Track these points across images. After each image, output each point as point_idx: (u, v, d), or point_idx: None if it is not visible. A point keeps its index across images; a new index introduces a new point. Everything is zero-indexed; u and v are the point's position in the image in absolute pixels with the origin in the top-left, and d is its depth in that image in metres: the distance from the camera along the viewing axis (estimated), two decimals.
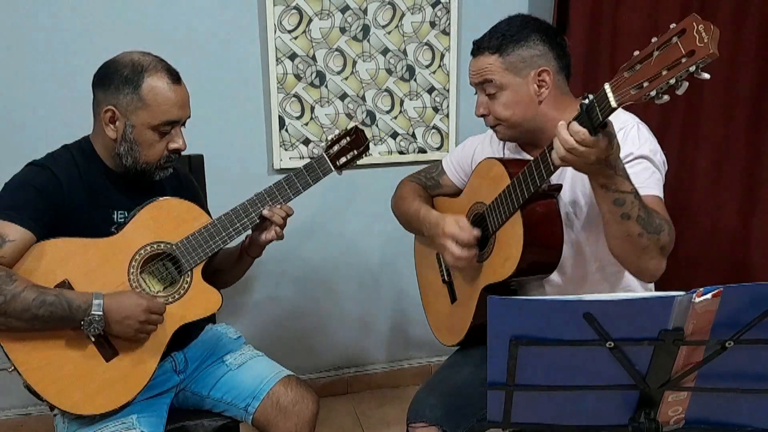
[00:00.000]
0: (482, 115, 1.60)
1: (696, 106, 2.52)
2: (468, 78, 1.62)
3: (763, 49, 2.52)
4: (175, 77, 1.54)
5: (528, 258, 1.49)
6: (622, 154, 1.38)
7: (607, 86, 1.20)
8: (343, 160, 1.72)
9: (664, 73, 1.12)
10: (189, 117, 1.59)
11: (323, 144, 1.73)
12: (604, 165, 1.28)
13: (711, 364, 1.10)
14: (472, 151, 1.81)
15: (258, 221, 1.65)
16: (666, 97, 1.14)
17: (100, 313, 1.43)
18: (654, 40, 1.15)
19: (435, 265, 1.84)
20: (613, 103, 1.19)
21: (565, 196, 1.54)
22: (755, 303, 1.03)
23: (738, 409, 1.19)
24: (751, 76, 2.54)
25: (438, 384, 1.66)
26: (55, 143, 1.62)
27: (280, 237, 1.67)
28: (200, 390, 1.73)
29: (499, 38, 1.54)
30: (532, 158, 1.61)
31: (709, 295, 1.02)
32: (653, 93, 1.13)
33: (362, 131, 1.74)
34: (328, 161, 1.69)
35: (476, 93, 1.61)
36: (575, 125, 1.25)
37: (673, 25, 1.13)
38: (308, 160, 1.71)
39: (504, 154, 1.72)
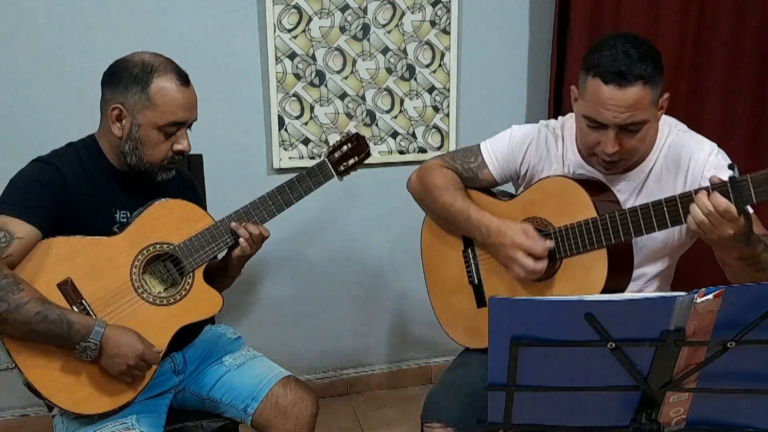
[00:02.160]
0: (609, 154, 1.45)
1: (697, 105, 2.52)
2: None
3: (763, 49, 2.52)
4: (184, 80, 1.55)
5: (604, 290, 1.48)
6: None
7: None
8: (344, 166, 1.75)
9: None
10: (195, 120, 1.60)
11: (325, 149, 1.76)
12: (738, 241, 1.27)
13: (712, 365, 1.10)
14: (523, 150, 1.68)
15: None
16: None
17: (97, 342, 1.42)
18: None
19: (459, 260, 1.75)
20: None
21: None
22: (757, 303, 1.03)
23: (740, 409, 1.19)
24: (752, 76, 2.54)
25: (454, 384, 1.63)
26: (59, 142, 1.62)
27: (245, 252, 1.63)
28: (199, 391, 1.73)
29: (649, 64, 1.38)
30: (602, 178, 1.57)
31: (710, 296, 1.02)
32: None
33: (363, 138, 1.77)
34: (330, 167, 1.72)
35: (594, 126, 1.45)
36: (719, 197, 1.23)
37: None
38: (310, 163, 1.73)
39: (564, 163, 1.63)
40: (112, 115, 1.53)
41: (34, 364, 1.45)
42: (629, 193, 1.57)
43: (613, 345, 1.07)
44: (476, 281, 1.72)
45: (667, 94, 1.47)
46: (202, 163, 2.01)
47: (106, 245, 1.53)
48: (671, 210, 1.34)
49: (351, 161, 1.76)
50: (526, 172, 1.69)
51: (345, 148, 1.75)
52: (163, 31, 2.25)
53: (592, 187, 1.54)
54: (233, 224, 1.62)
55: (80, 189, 1.53)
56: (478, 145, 1.74)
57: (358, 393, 2.76)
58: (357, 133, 1.77)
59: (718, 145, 1.56)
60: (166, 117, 1.52)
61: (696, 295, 1.02)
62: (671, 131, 1.57)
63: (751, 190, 1.21)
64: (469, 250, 1.73)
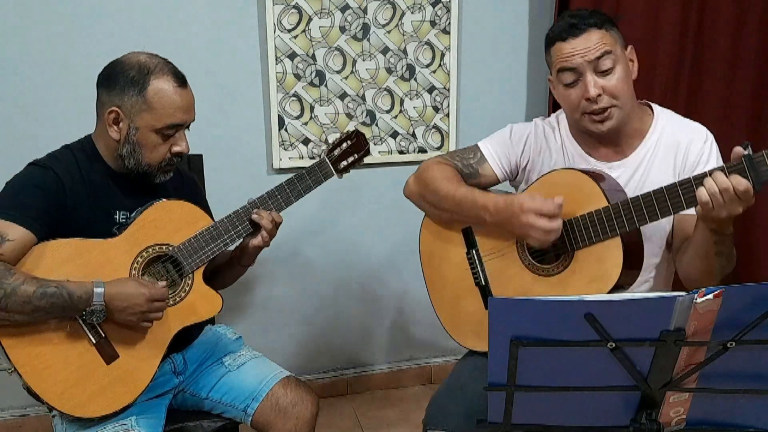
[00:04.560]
0: (594, 98, 1.50)
1: (696, 104, 2.52)
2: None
3: (763, 49, 2.52)
4: (181, 81, 1.53)
5: (617, 283, 1.47)
6: (708, 167, 1.40)
7: None
8: (343, 164, 1.74)
9: None
10: (193, 120, 1.59)
11: (324, 147, 1.74)
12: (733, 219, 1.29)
13: (712, 365, 1.10)
14: (522, 143, 1.71)
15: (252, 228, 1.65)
16: None
17: (102, 302, 1.43)
18: None
19: (462, 263, 1.72)
20: None
21: None
22: (757, 303, 1.03)
23: (740, 409, 1.19)
24: (752, 76, 2.54)
25: (457, 390, 1.61)
26: (58, 143, 1.61)
27: (266, 244, 1.66)
28: (199, 391, 1.73)
29: (592, 17, 1.50)
30: (593, 164, 1.60)
31: (710, 296, 1.02)
32: None
33: (362, 135, 1.75)
34: (330, 165, 1.71)
35: (571, 82, 1.52)
36: (739, 177, 1.24)
37: None
38: (310, 163, 1.72)
39: (564, 154, 1.66)
40: (108, 119, 1.52)
41: (33, 368, 1.45)
42: (628, 179, 1.59)
43: (613, 345, 1.07)
44: (483, 282, 1.69)
45: (631, 46, 1.55)
46: (202, 163, 2.01)
47: (106, 247, 1.52)
48: (686, 191, 1.34)
49: (350, 159, 1.74)
50: (527, 165, 1.71)
51: (344, 145, 1.73)
52: (163, 31, 2.25)
53: (596, 178, 1.54)
54: (254, 215, 1.62)
55: (78, 192, 1.52)
56: (476, 144, 1.76)
57: (358, 393, 2.76)
58: (356, 130, 1.75)
59: (719, 145, 1.57)
60: (164, 119, 1.51)
61: (696, 295, 1.02)
62: (667, 121, 1.61)
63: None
64: (473, 252, 1.71)
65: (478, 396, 1.55)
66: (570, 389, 1.15)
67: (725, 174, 1.27)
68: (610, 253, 1.47)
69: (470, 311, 1.72)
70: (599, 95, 1.49)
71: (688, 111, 2.50)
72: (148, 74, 1.50)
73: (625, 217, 1.44)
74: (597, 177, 1.54)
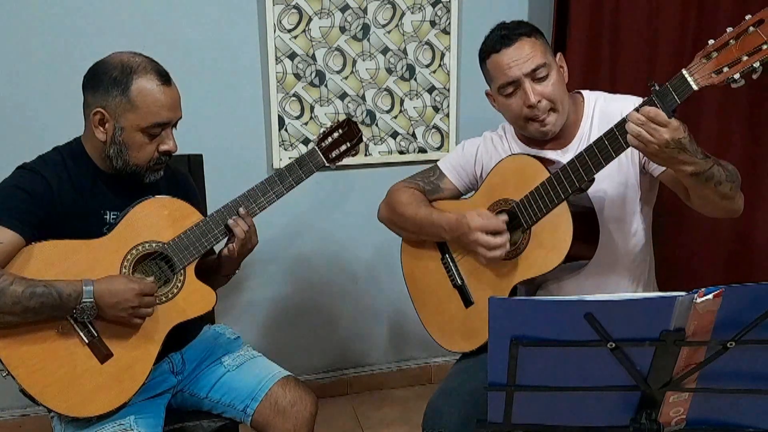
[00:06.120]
0: (535, 104, 1.58)
1: (695, 103, 2.51)
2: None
3: None
4: (164, 78, 1.52)
5: (573, 249, 1.52)
6: None
7: (684, 72, 1.31)
8: (335, 153, 1.71)
9: (745, 58, 1.24)
10: (180, 118, 1.58)
11: (315, 137, 1.72)
12: (681, 150, 1.33)
13: (712, 365, 1.10)
14: (474, 153, 1.82)
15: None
16: (742, 81, 1.27)
17: (92, 299, 1.43)
18: (729, 30, 1.24)
19: (439, 269, 1.79)
20: (694, 86, 1.30)
21: (590, 191, 1.57)
22: (757, 303, 1.03)
23: (740, 409, 1.19)
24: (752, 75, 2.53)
25: (454, 391, 1.63)
26: (49, 145, 1.61)
27: (231, 253, 1.61)
28: (199, 391, 1.72)
29: (524, 27, 1.60)
30: (552, 156, 1.67)
31: (710, 296, 1.02)
32: (737, 76, 1.26)
33: (354, 123, 1.73)
34: (320, 154, 1.69)
35: (511, 92, 1.61)
36: (646, 107, 1.32)
37: (748, 17, 1.22)
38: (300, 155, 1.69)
39: (513, 153, 1.73)
40: (94, 120, 1.51)
41: (27, 370, 1.45)
42: None
43: (613, 345, 1.07)
44: (459, 282, 1.75)
45: (560, 53, 1.67)
46: (202, 163, 2.01)
47: (95, 247, 1.52)
48: (611, 139, 1.43)
49: (343, 147, 1.72)
50: (481, 172, 1.80)
51: (336, 134, 1.71)
52: (163, 31, 2.24)
53: (543, 161, 1.62)
54: (230, 221, 1.60)
55: (66, 194, 1.52)
56: (436, 164, 1.88)
57: (358, 393, 2.76)
58: (348, 119, 1.72)
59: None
60: (149, 118, 1.50)
61: (696, 295, 1.02)
62: (597, 99, 1.70)
63: (673, 93, 1.32)
64: (447, 256, 1.78)
65: (474, 397, 1.58)
66: (570, 389, 1.15)
67: (637, 111, 1.35)
68: (560, 220, 1.54)
69: (453, 314, 1.77)
70: (539, 101, 1.58)
71: (687, 111, 2.50)
72: (131, 73, 1.49)
73: (566, 181, 1.51)
74: (543, 161, 1.61)
